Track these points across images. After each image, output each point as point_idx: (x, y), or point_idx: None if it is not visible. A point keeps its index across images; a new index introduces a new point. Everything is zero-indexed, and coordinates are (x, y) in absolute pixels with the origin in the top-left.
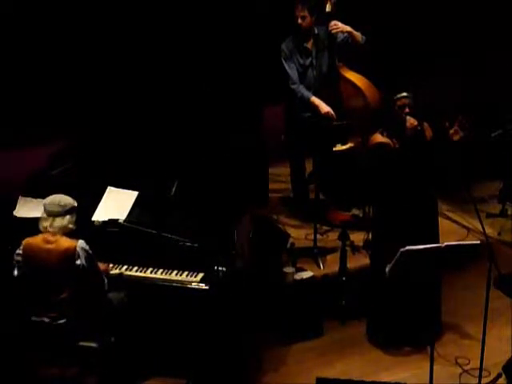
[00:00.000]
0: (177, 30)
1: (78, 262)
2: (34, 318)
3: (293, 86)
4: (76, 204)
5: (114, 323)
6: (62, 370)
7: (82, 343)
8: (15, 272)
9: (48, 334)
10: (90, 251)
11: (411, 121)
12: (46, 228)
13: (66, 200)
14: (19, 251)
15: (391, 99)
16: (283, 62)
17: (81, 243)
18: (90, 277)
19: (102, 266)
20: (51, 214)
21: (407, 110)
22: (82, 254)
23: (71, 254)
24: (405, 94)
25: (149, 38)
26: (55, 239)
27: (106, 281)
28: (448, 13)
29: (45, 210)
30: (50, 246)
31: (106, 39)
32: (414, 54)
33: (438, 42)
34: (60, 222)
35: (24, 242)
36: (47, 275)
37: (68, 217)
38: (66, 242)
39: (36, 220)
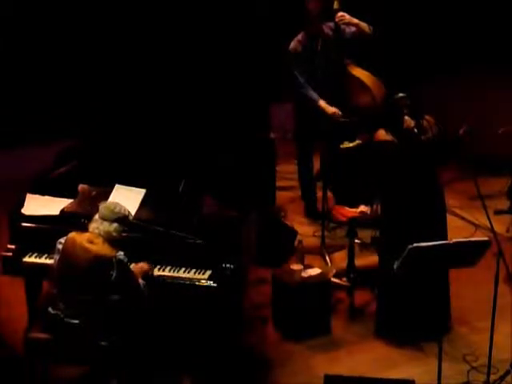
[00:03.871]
0: (183, 29)
1: (112, 272)
2: (49, 310)
3: (301, 89)
4: (129, 215)
5: (124, 322)
6: (73, 368)
7: (92, 342)
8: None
9: (60, 329)
10: (127, 264)
11: (408, 122)
12: (94, 229)
13: (121, 208)
14: (62, 240)
15: (391, 98)
16: (291, 63)
17: (119, 255)
18: (125, 288)
19: (144, 265)
20: (101, 217)
21: (405, 110)
22: (117, 265)
23: (106, 261)
24: (401, 94)
25: (155, 37)
26: (98, 241)
27: (142, 288)
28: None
29: (99, 211)
30: (90, 246)
31: (113, 39)
32: (427, 51)
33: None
34: (106, 226)
35: (70, 234)
36: (75, 273)
37: (115, 225)
38: (106, 249)
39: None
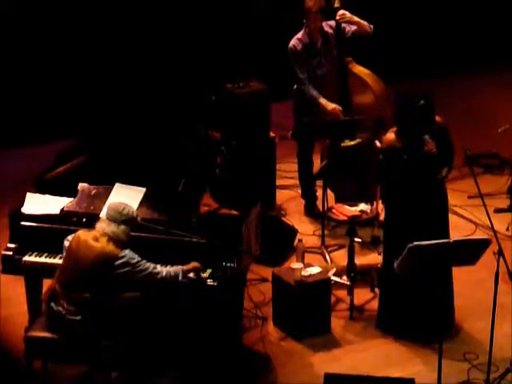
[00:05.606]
0: (185, 30)
1: (115, 270)
2: (52, 305)
3: (302, 87)
4: (137, 217)
5: (126, 321)
6: (73, 367)
7: (93, 340)
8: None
9: (61, 326)
10: (136, 260)
11: (430, 145)
12: (100, 229)
13: (129, 210)
14: (69, 237)
15: (411, 104)
16: (292, 62)
17: (123, 253)
18: (137, 285)
19: (196, 264)
20: (108, 218)
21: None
22: (122, 264)
23: (110, 259)
24: (423, 101)
25: (158, 39)
26: (103, 240)
27: (180, 279)
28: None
29: (106, 211)
30: (94, 244)
31: (115, 38)
32: (426, 51)
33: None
34: (114, 228)
35: (77, 232)
36: (78, 269)
37: (123, 226)
38: (110, 247)
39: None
